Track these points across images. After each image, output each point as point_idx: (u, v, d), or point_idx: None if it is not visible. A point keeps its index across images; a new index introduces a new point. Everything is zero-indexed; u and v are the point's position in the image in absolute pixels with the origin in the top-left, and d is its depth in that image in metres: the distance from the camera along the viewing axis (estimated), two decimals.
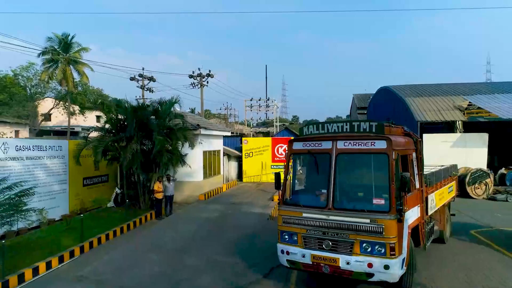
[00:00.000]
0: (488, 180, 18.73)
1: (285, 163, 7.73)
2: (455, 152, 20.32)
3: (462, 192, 18.98)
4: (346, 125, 7.04)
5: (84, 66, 39.44)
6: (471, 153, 20.26)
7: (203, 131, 17.80)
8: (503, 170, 21.22)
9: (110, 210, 15.20)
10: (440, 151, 20.24)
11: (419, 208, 7.59)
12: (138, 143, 13.31)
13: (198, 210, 15.47)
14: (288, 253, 6.89)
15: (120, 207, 15.24)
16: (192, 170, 17.02)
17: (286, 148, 7.87)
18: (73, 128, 46.42)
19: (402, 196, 6.36)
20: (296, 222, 6.87)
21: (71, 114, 47.37)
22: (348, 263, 6.27)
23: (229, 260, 9.15)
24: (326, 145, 6.94)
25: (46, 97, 47.87)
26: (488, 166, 23.35)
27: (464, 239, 11.05)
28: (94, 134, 16.05)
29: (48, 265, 8.62)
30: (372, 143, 6.53)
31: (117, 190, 15.75)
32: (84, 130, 57.64)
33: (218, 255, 9.56)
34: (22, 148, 12.32)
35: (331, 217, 6.50)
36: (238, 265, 8.75)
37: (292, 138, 8.57)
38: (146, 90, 28.52)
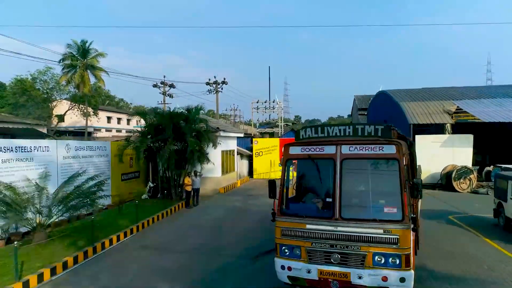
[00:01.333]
0: (472, 176, 21.26)
1: (282, 169, 6.98)
2: (443, 151, 22.91)
3: (449, 186, 21.64)
4: (349, 128, 6.68)
5: (100, 71, 42.30)
6: (457, 152, 22.80)
7: (222, 133, 20.44)
8: (489, 168, 23.76)
9: (145, 201, 17.83)
10: (430, 150, 22.86)
11: (417, 218, 7.58)
12: (173, 144, 15.94)
13: (222, 200, 18.17)
14: (290, 268, 6.29)
15: (153, 198, 17.86)
16: (213, 167, 19.66)
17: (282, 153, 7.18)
18: (86, 129, 49.03)
19: (411, 203, 6.16)
20: (299, 234, 6.27)
21: (85, 115, 50.29)
22: (360, 277, 5.81)
23: (254, 235, 11.75)
24: (329, 150, 6.46)
25: (62, 100, 50.62)
26: (479, 164, 25.90)
27: (442, 222, 13.62)
28: (103, 134, 18.68)
29: (118, 238, 11.26)
30: (380, 148, 6.15)
31: (150, 184, 18.39)
32: (96, 130, 60.38)
33: (245, 231, 12.16)
34: (79, 148, 14.96)
35: (340, 228, 6.00)
36: (262, 239, 11.32)
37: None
38: (167, 96, 31.22)
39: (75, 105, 49.93)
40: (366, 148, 6.22)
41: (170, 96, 32.04)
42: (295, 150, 6.83)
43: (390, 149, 6.09)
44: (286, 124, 61.25)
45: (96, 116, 55.55)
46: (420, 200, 11.78)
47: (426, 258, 9.09)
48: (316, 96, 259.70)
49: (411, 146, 8.19)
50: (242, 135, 28.22)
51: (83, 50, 41.58)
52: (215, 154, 19.94)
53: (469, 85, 40.94)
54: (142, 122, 64.65)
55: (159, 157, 15.94)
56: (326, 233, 6.07)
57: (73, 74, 41.41)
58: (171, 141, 15.83)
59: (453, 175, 21.28)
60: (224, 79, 30.86)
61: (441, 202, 17.97)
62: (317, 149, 6.59)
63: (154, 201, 17.12)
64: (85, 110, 48.29)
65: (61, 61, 41.47)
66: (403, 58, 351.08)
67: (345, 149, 6.34)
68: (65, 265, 8.81)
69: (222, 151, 21.50)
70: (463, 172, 21.39)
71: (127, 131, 68.91)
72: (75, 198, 10.65)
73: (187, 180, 16.80)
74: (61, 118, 52.09)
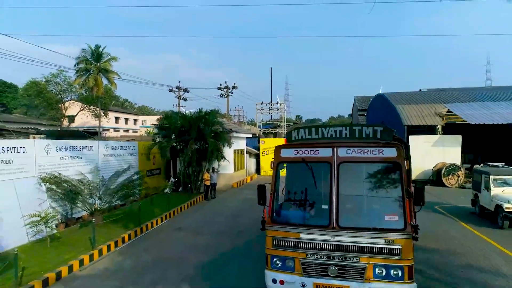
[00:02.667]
0: (459, 172, 23.52)
1: (273, 174, 6.53)
2: (434, 150, 25.21)
3: (439, 182, 23.92)
4: (346, 129, 6.20)
5: (113, 74, 44.68)
6: (447, 151, 25.09)
7: (234, 134, 22.72)
8: (479, 166, 26.04)
9: (167, 194, 20.08)
10: (423, 150, 25.16)
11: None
12: (194, 144, 18.22)
13: (237, 193, 20.47)
14: (282, 282, 5.81)
15: (175, 192, 20.11)
16: (227, 164, 21.93)
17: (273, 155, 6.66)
18: (95, 129, 51.50)
19: (415, 210, 5.98)
20: (292, 245, 5.80)
21: (96, 116, 52.69)
22: None
23: None
24: (325, 152, 6.00)
25: (74, 101, 52.93)
26: (472, 162, 28.17)
27: (429, 211, 15.84)
28: (112, 134, 20.91)
29: (157, 222, 13.53)
30: (380, 151, 5.75)
31: (172, 180, 20.66)
32: (105, 130, 62.66)
33: (259, 217, 14.37)
34: (115, 148, 17.23)
35: (337, 238, 5.58)
36: None
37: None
38: (182, 100, 33.61)
39: (86, 106, 52.28)
40: (365, 151, 5.79)
41: (184, 99, 34.42)
42: (287, 153, 6.33)
43: (391, 152, 5.69)
44: (288, 124, 63.46)
45: (106, 116, 58.00)
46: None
47: (419, 238, 11.32)
48: (317, 96, 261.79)
49: (408, 149, 7.68)
50: (251, 135, 30.55)
51: (97, 55, 43.90)
52: (228, 153, 22.19)
53: (468, 85, 42.93)
54: (148, 122, 67.20)
55: (182, 155, 18.22)
56: (322, 244, 5.62)
57: (87, 77, 43.75)
58: (193, 141, 18.10)
59: (442, 171, 23.56)
60: (234, 84, 33.40)
61: (430, 195, 20.21)
62: (312, 152, 6.09)
63: (177, 194, 19.38)
64: (96, 111, 50.66)
65: (76, 65, 43.80)
66: (404, 57, 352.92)
67: (342, 152, 5.89)
68: (123, 240, 11.09)
69: (234, 150, 23.77)
70: (451, 169, 23.65)
71: (133, 131, 71.24)
72: (124, 189, 12.92)
73: (206, 176, 19.06)
74: (71, 119, 54.42)
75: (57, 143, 13.43)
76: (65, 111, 52.65)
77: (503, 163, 18.81)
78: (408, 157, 6.84)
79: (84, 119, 56.85)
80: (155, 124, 25.94)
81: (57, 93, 51.96)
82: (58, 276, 8.24)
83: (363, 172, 5.98)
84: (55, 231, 11.15)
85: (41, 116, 52.76)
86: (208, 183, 19.05)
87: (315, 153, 6.09)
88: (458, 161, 24.75)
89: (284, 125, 58.00)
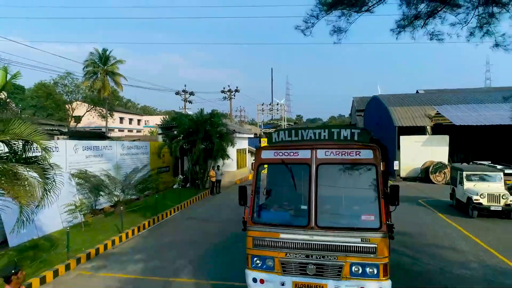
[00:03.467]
0: (446, 170, 25.33)
1: (253, 175, 6.65)
2: (423, 149, 27.04)
3: (427, 179, 25.75)
4: (324, 131, 6.40)
5: (120, 76, 46.58)
6: (435, 150, 26.92)
7: (237, 135, 24.56)
8: (457, 164, 27.87)
9: (175, 190, 21.94)
10: (413, 149, 27.02)
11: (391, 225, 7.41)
12: (201, 144, 20.08)
13: None
14: (262, 281, 5.99)
15: (183, 188, 21.97)
16: (230, 163, 23.78)
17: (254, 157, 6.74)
18: (100, 129, 53.19)
19: (388, 211, 6.20)
20: (272, 245, 5.96)
21: (102, 116, 54.59)
22: None
23: None
24: (304, 154, 6.18)
25: (82, 102, 54.81)
26: (462, 161, 29.83)
27: (413, 203, 17.71)
28: (116, 134, 22.77)
29: (170, 212, 15.40)
30: (357, 153, 5.97)
31: (181, 176, 22.53)
32: (110, 130, 64.46)
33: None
34: (130, 147, 19.10)
35: (316, 237, 5.77)
36: None
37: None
38: (188, 102, 35.51)
39: (93, 107, 54.20)
40: (343, 152, 6.01)
41: (190, 102, 36.30)
42: (267, 155, 6.46)
43: (367, 154, 5.93)
44: (289, 124, 65.31)
45: (112, 117, 59.91)
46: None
47: (397, 225, 13.16)
48: (318, 96, 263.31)
49: (385, 151, 8.24)
50: (252, 136, 32.36)
51: (104, 58, 45.81)
52: (231, 152, 24.04)
53: (468, 85, 44.14)
54: (150, 122, 69.01)
55: (190, 154, 20.09)
56: (301, 243, 5.80)
57: (94, 79, 45.60)
58: (200, 141, 19.96)
59: (430, 169, 25.40)
60: (237, 87, 35.36)
61: (417, 191, 22.11)
62: (291, 154, 6.28)
63: (185, 189, 21.24)
64: (102, 112, 52.54)
65: (84, 68, 45.69)
66: (404, 58, 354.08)
67: (321, 154, 6.09)
68: (144, 226, 12.97)
69: (237, 150, 25.62)
70: (439, 167, 25.47)
71: (137, 131, 73.08)
72: (143, 184, 14.82)
73: (212, 173, 20.92)
74: (78, 119, 56.32)
75: (83, 143, 15.30)
76: (73, 111, 54.53)
77: (489, 162, 20.46)
78: (384, 159, 6.96)
79: (90, 119, 58.73)
80: (158, 124, 27.68)
81: (65, 94, 53.84)
82: (97, 252, 10.13)
83: (341, 173, 6.19)
84: (86, 219, 13.02)
85: (48, 117, 54.62)
86: (213, 179, 20.90)
87: (294, 154, 6.24)
88: (445, 160, 26.56)
89: (285, 125, 59.85)
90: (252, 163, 6.78)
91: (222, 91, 35.88)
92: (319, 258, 5.70)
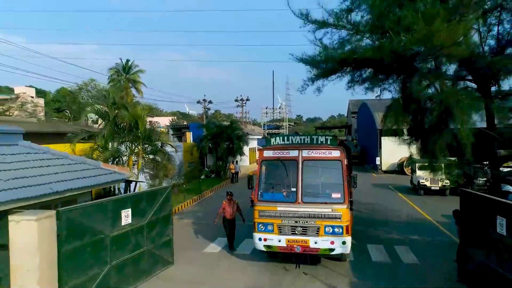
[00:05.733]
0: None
1: (257, 168, 9.26)
2: (400, 148, 33.05)
3: (402, 172, 31.89)
4: (307, 138, 8.99)
5: (140, 84, 52.60)
6: (411, 148, 33.01)
7: (249, 137, 30.77)
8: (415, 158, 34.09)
9: (206, 179, 28.09)
10: (391, 147, 33.04)
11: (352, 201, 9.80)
12: (224, 144, 26.28)
13: None
14: (265, 239, 8.52)
15: (208, 178, 28.18)
16: (245, 158, 29.99)
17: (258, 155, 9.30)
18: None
19: (350, 191, 8.85)
20: (272, 215, 8.49)
21: None
22: (316, 243, 8.21)
23: None
24: (293, 153, 8.76)
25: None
26: None
27: (383, 188, 23.91)
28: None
29: (207, 193, 21.60)
30: (329, 152, 8.63)
31: (207, 169, 28.73)
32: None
33: None
34: (175, 146, 25.25)
35: (301, 209, 8.30)
36: None
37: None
38: (207, 110, 41.95)
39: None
40: (320, 152, 8.61)
41: (208, 109, 42.58)
42: (268, 154, 9.12)
43: (335, 153, 8.57)
44: (289, 125, 71.34)
45: None
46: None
47: (368, 199, 19.36)
48: (318, 95, 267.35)
49: (349, 151, 11.32)
50: (260, 137, 38.58)
51: (127, 67, 51.88)
52: (245, 150, 30.23)
53: None
54: (161, 123, 73.85)
55: (215, 152, 26.34)
56: (291, 213, 8.33)
57: (118, 87, 51.65)
58: (223, 142, 26.15)
59: (404, 164, 31.55)
60: (248, 97, 42.06)
61: (392, 180, 28.28)
62: (284, 153, 8.84)
63: (211, 179, 27.42)
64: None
65: (109, 77, 51.73)
66: None
67: (305, 153, 8.66)
68: (194, 200, 19.17)
69: (249, 148, 31.81)
70: (410, 162, 31.64)
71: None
72: (190, 173, 21.04)
73: (232, 166, 27.11)
74: (96, 121, 62.17)
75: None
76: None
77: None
78: (348, 156, 9.79)
79: None
80: (168, 125, 33.46)
81: (88, 99, 59.80)
82: (175, 211, 16.32)
83: (318, 166, 8.83)
84: None
85: (69, 120, 60.43)
86: (233, 171, 27.08)
87: (286, 153, 8.86)
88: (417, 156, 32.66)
89: (286, 125, 65.92)
90: (257, 159, 9.84)
91: (236, 100, 42.38)
92: (304, 222, 8.31)
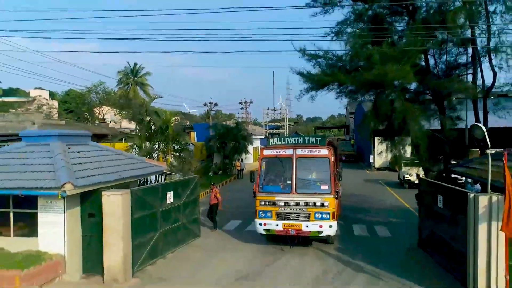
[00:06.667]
0: None
1: (258, 164, 10.93)
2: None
3: (393, 168, 34.61)
4: (300, 139, 10.73)
5: (148, 86, 55.27)
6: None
7: (253, 137, 33.54)
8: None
9: (211, 175, 30.84)
10: (383, 146, 35.84)
11: (339, 192, 11.37)
12: (231, 143, 29.04)
13: None
14: (265, 224, 10.21)
15: (216, 175, 30.95)
16: (249, 157, 32.75)
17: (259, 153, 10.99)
18: (123, 130, 61.42)
19: (336, 183, 10.33)
20: (271, 203, 10.13)
21: (129, 119, 62.82)
22: (307, 226, 9.82)
23: None
24: (289, 152, 10.35)
25: (111, 108, 63.22)
26: None
27: (374, 183, 26.66)
28: None
29: (218, 186, 24.32)
30: (319, 151, 10.22)
31: (214, 166, 31.50)
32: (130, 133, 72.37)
33: None
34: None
35: (295, 198, 9.92)
36: None
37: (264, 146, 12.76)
38: (212, 111, 44.58)
39: (121, 112, 62.68)
40: (311, 151, 10.22)
41: (214, 111, 45.31)
42: (267, 152, 10.81)
43: (324, 152, 10.21)
44: (290, 125, 73.97)
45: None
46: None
47: (359, 192, 22.12)
48: (317, 96, 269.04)
49: (336, 149, 13.28)
50: (263, 137, 41.35)
51: (135, 71, 54.63)
52: (249, 149, 32.99)
53: None
54: None
55: (223, 151, 29.12)
56: (287, 201, 9.94)
57: (126, 89, 54.32)
58: (230, 142, 28.90)
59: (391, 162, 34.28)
60: (251, 100, 45.15)
61: (383, 176, 31.03)
62: (281, 152, 10.45)
63: (219, 175, 30.18)
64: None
65: (119, 80, 54.40)
66: None
67: (299, 152, 10.25)
68: (205, 194, 21.91)
69: (253, 147, 34.57)
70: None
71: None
72: (204, 168, 23.84)
73: (237, 163, 29.86)
74: (103, 120, 64.81)
75: None
76: (104, 115, 63.07)
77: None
78: (336, 154, 11.96)
79: (117, 122, 67.01)
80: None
81: (97, 100, 62.45)
82: None
83: (310, 163, 10.39)
84: None
85: (78, 120, 63.10)
86: (238, 168, 29.83)
87: (283, 152, 10.45)
88: (407, 154, 35.42)
89: (286, 125, 68.59)
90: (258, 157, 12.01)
91: (240, 103, 45.22)
92: (297, 210, 9.87)
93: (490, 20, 9.96)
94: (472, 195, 7.45)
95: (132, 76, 55.25)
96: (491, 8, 9.79)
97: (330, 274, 9.05)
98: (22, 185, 8.00)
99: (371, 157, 35.35)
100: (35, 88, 70.37)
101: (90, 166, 9.22)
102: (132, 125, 68.74)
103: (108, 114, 63.51)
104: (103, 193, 8.38)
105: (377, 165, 36.55)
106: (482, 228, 7.10)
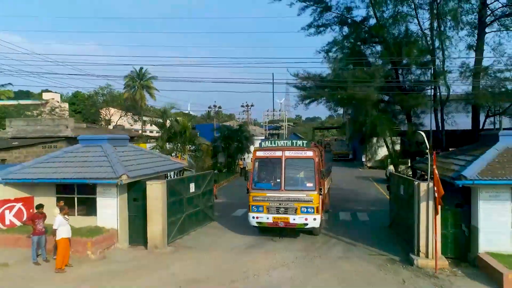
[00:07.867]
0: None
1: (252, 164, 12.40)
2: (383, 147, 38.79)
3: (384, 167, 37.50)
4: (289, 142, 12.15)
5: (153, 89, 57.93)
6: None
7: (254, 138, 36.40)
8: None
9: (217, 174, 33.64)
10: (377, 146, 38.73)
11: (322, 189, 12.28)
12: (234, 143, 31.90)
13: None
14: (257, 217, 11.48)
15: (221, 172, 33.79)
16: (249, 155, 35.57)
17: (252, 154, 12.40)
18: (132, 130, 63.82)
19: (320, 181, 11.49)
20: (262, 199, 11.37)
21: (134, 121, 65.52)
22: (294, 219, 11.11)
23: None
24: (278, 153, 11.66)
25: (118, 109, 65.83)
26: None
27: (364, 179, 29.55)
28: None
29: (223, 183, 27.25)
30: (305, 153, 11.61)
31: (219, 164, 34.33)
32: (135, 132, 74.59)
33: None
34: None
35: (284, 194, 11.20)
36: None
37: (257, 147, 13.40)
38: (215, 114, 47.60)
39: (127, 113, 65.45)
40: (298, 153, 11.63)
41: (218, 113, 48.18)
42: (260, 154, 12.13)
43: (309, 153, 11.61)
44: (289, 125, 76.52)
45: (139, 121, 71.08)
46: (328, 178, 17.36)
47: (349, 186, 24.97)
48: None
49: (322, 151, 14.50)
50: (263, 137, 44.25)
51: (141, 74, 57.36)
52: (251, 149, 35.78)
53: None
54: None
55: (227, 150, 31.99)
56: (276, 197, 11.25)
57: (133, 92, 57.02)
58: (233, 142, 31.77)
59: (385, 160, 37.18)
60: (252, 103, 48.07)
61: (373, 173, 33.91)
62: (272, 153, 11.79)
63: (223, 173, 33.02)
64: (134, 117, 63.59)
65: (125, 83, 57.05)
66: None
67: (287, 153, 11.63)
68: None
69: (254, 147, 37.44)
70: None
71: (156, 132, 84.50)
72: (214, 165, 26.74)
73: (240, 162, 32.73)
74: (109, 122, 67.54)
75: None
76: (110, 117, 65.73)
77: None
78: (321, 156, 13.17)
79: (122, 123, 69.71)
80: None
81: (103, 102, 65.07)
82: None
83: (297, 163, 11.71)
84: None
85: (85, 121, 65.71)
86: (241, 166, 32.67)
87: (273, 153, 11.82)
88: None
89: (285, 126, 71.25)
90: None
91: (242, 106, 48.25)
92: (286, 204, 11.21)
93: (444, 47, 12.90)
94: (417, 182, 10.28)
95: (138, 79, 57.87)
96: (436, 43, 12.76)
97: (317, 244, 11.93)
98: (87, 176, 10.87)
99: (363, 156, 38.26)
100: (42, 91, 72.82)
101: (133, 162, 12.09)
102: (138, 126, 71.43)
103: (115, 115, 66.03)
104: (147, 182, 11.24)
105: (369, 164, 39.42)
106: (423, 206, 9.90)
